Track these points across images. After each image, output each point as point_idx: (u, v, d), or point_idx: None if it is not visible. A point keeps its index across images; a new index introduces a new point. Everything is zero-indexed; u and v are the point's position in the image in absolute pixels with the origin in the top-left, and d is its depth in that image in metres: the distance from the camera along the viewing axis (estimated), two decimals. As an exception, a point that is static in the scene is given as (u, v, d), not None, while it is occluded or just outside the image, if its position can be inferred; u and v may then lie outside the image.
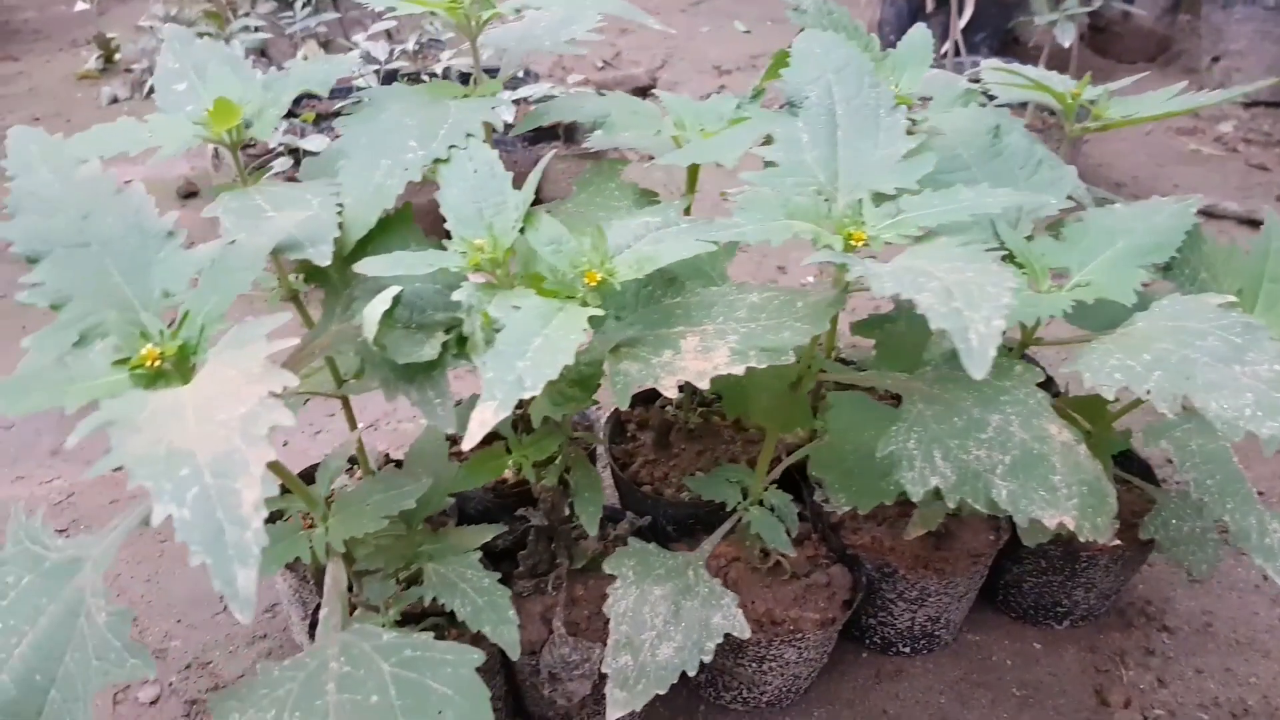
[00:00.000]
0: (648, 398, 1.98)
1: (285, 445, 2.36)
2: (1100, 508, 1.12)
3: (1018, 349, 1.48)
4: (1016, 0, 4.46)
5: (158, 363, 0.94)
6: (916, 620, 1.69)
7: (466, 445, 0.89)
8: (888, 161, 1.22)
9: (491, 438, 1.02)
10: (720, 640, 1.33)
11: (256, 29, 3.54)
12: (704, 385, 1.05)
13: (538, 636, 1.48)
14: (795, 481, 1.73)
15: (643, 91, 4.39)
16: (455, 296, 1.06)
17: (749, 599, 1.54)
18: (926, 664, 1.76)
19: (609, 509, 1.65)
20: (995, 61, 1.74)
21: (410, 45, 3.50)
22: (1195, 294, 1.32)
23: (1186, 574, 1.61)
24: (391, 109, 1.29)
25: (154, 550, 2.05)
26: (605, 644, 1.34)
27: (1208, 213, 3.32)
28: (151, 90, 4.28)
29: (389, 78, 3.29)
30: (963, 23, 3.95)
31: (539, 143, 3.23)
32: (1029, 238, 1.38)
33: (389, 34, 3.64)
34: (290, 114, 2.92)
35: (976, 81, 1.73)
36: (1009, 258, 1.32)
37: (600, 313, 1.04)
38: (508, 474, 1.65)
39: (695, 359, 1.09)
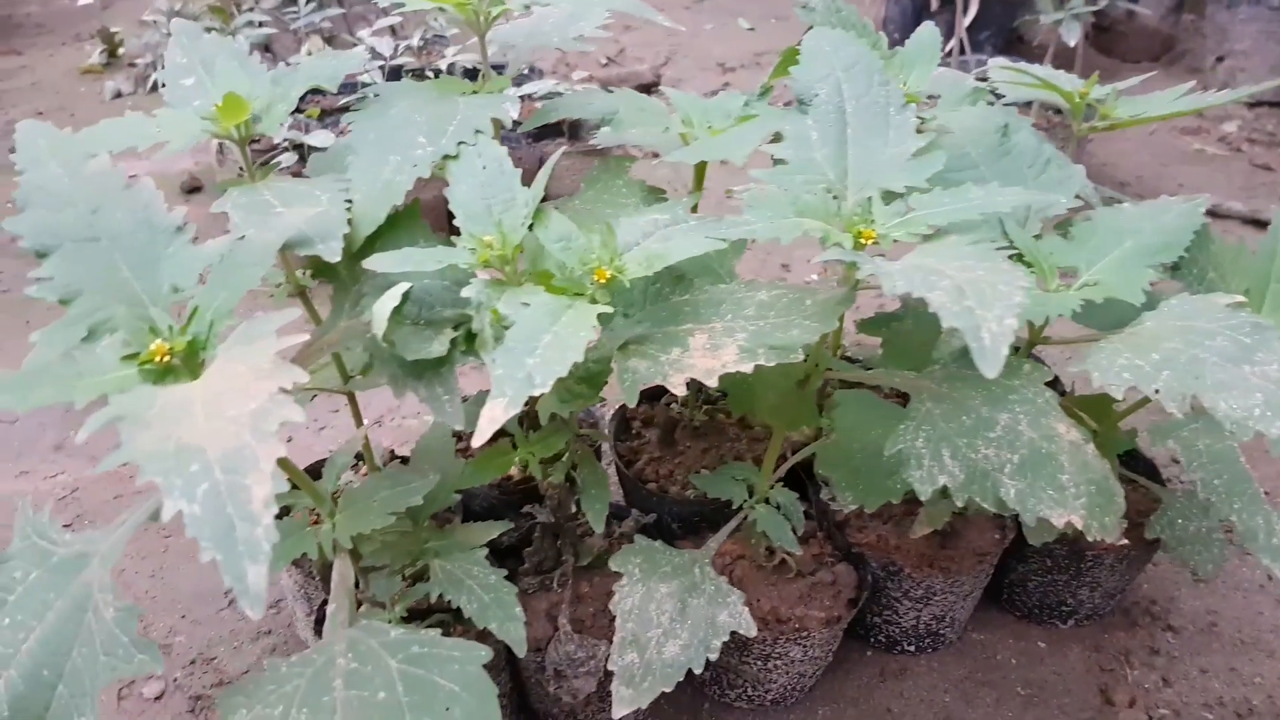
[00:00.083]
0: (653, 395, 1.98)
1: (289, 441, 2.36)
2: (1108, 507, 1.12)
3: (1025, 348, 1.47)
4: (1021, -1, 4.46)
5: (167, 358, 0.94)
6: (921, 619, 1.69)
7: (476, 442, 0.89)
8: (897, 160, 1.22)
9: (498, 434, 1.02)
10: (726, 638, 1.33)
11: (261, 24, 3.54)
12: (712, 383, 1.05)
13: (543, 633, 1.48)
14: (800, 479, 1.73)
15: (647, 88, 4.39)
16: (464, 293, 1.06)
17: (754, 597, 1.54)
18: (931, 663, 1.75)
19: (614, 506, 1.65)
20: (1002, 60, 1.74)
21: (415, 41, 3.50)
22: (1203, 294, 1.32)
23: (1191, 574, 1.60)
24: (400, 105, 1.29)
25: (158, 545, 2.05)
26: (611, 641, 1.34)
27: (1212, 212, 3.31)
28: (155, 85, 4.30)
29: (394, 74, 3.29)
30: (968, 21, 3.94)
31: (543, 139, 3.23)
32: (1037, 236, 1.38)
33: (393, 30, 3.65)
34: (295, 109, 2.93)
35: (983, 80, 1.72)
36: (1017, 256, 1.32)
37: (609, 310, 1.04)
38: (513, 471, 1.65)
39: (703, 356, 1.08)
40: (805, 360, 1.29)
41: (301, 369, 0.84)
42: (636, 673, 1.29)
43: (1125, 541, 1.15)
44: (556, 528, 1.55)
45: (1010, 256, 1.03)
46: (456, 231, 1.17)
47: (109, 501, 2.18)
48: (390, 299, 1.09)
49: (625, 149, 3.18)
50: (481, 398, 1.49)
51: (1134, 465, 1.80)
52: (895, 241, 1.13)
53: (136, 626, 0.98)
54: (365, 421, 1.59)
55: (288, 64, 1.30)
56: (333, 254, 1.08)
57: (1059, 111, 3.46)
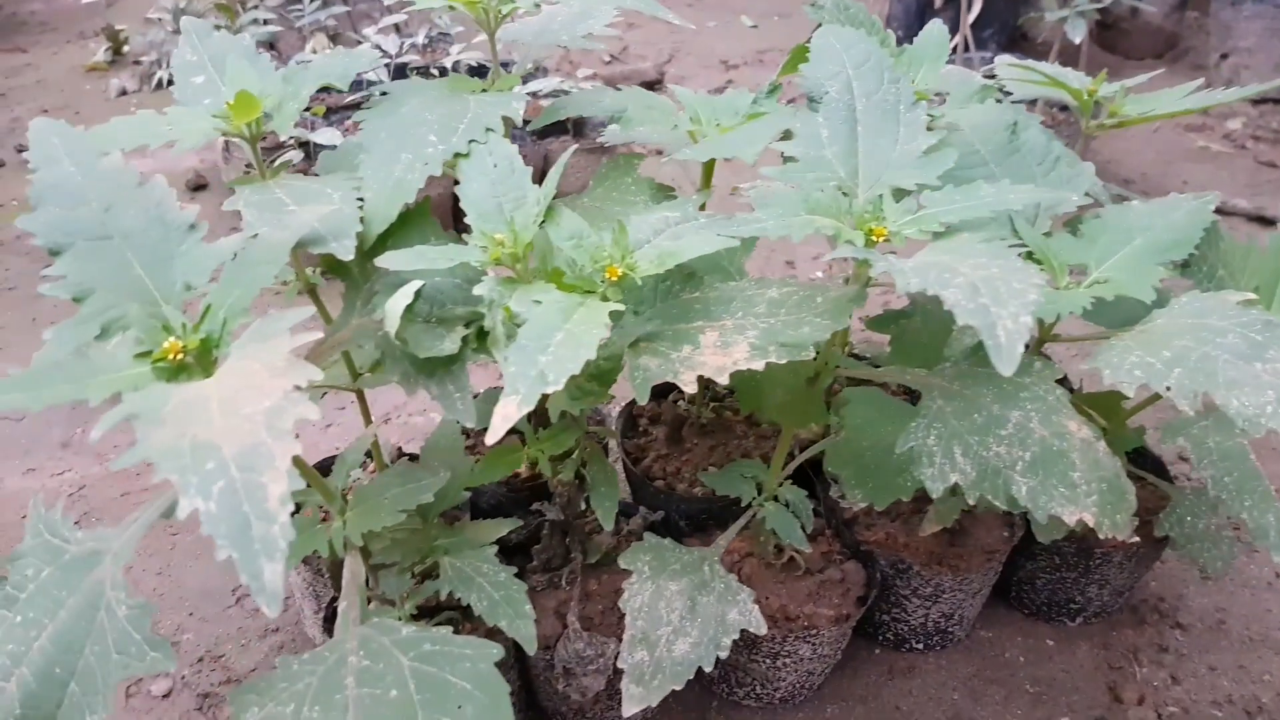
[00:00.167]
0: (661, 392, 1.98)
1: (296, 439, 2.36)
2: (1119, 504, 1.12)
3: (1035, 346, 1.47)
4: (1025, -4, 4.46)
5: (180, 356, 0.94)
6: (930, 617, 1.69)
7: (490, 439, 0.89)
8: (908, 157, 1.22)
9: (508, 431, 1.02)
10: (736, 636, 1.33)
11: (266, 22, 3.54)
12: (723, 380, 1.05)
13: (552, 631, 1.48)
14: (808, 477, 1.73)
15: (650, 86, 4.39)
16: (476, 291, 1.06)
17: (763, 595, 1.54)
18: (939, 660, 1.76)
19: (622, 504, 1.65)
20: (1009, 58, 1.74)
21: (420, 39, 3.50)
22: (1213, 291, 1.32)
23: (1200, 572, 1.61)
24: (411, 103, 1.29)
25: (166, 543, 2.05)
26: (620, 639, 1.34)
27: (1218, 210, 3.31)
28: (160, 83, 4.29)
29: (399, 71, 3.29)
30: (971, 18, 3.94)
31: (547, 137, 3.23)
32: (1047, 234, 1.38)
33: (397, 28, 3.65)
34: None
35: (991, 77, 1.72)
36: (1027, 254, 1.32)
37: (621, 307, 1.04)
38: (521, 468, 1.65)
39: (714, 354, 1.08)
40: (815, 358, 1.30)
41: (316, 367, 0.84)
42: (646, 670, 1.29)
43: (1136, 539, 1.15)
44: (565, 525, 1.55)
45: (1021, 254, 1.03)
46: (462, 229, 1.18)
47: (116, 499, 2.19)
48: (403, 297, 1.09)
49: (629, 147, 3.19)
50: (490, 395, 1.50)
51: (1142, 463, 1.80)
52: (906, 239, 1.13)
53: (150, 624, 0.98)
54: (373, 419, 1.59)
55: (299, 62, 1.29)
56: (346, 252, 1.08)
57: (1064, 109, 3.47)
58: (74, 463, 2.31)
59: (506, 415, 0.90)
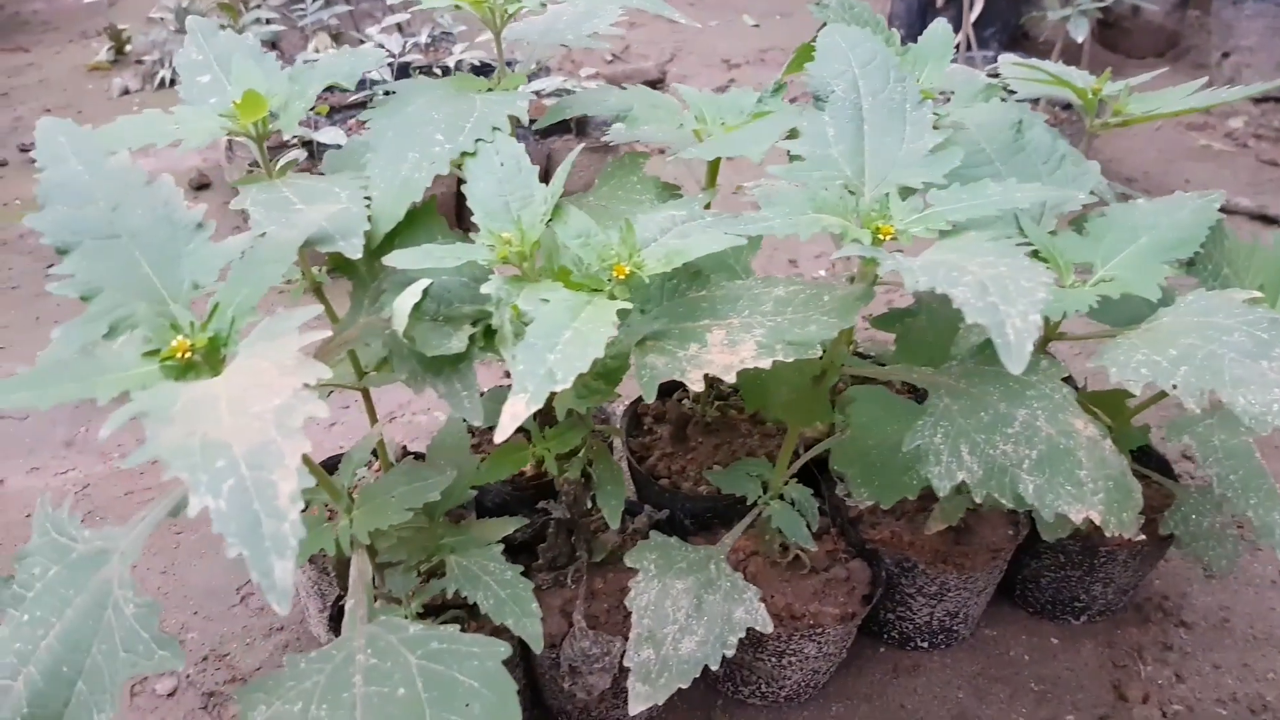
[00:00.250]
0: (665, 390, 1.98)
1: (305, 437, 2.36)
2: (1126, 502, 1.12)
3: (1040, 344, 1.47)
4: (1027, -5, 4.46)
5: (188, 354, 0.94)
6: (935, 615, 1.69)
7: (499, 437, 0.89)
8: (914, 156, 1.22)
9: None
10: (742, 634, 1.33)
11: (268, 21, 3.54)
12: (730, 379, 1.05)
13: (557, 630, 1.48)
14: (813, 475, 1.73)
15: (653, 85, 4.38)
16: (484, 289, 1.06)
17: (768, 593, 1.54)
18: (944, 659, 1.76)
19: (627, 502, 1.65)
20: (1012, 56, 1.74)
21: (422, 38, 3.50)
22: (1219, 289, 1.32)
23: (1204, 570, 1.61)
24: (417, 102, 1.29)
25: (170, 542, 2.05)
26: (625, 637, 1.34)
27: (1220, 208, 3.32)
28: (162, 82, 4.29)
29: (402, 71, 3.29)
30: (973, 17, 3.94)
31: (550, 135, 3.23)
32: (1052, 233, 1.38)
33: (400, 27, 3.65)
34: (303, 106, 2.93)
35: (994, 76, 1.72)
36: (1033, 253, 1.32)
37: (629, 306, 1.04)
38: (526, 467, 1.65)
39: (721, 352, 1.09)
40: (822, 356, 1.30)
41: (325, 365, 0.85)
42: (653, 669, 1.29)
43: (1143, 536, 1.15)
44: (571, 523, 1.55)
45: (1027, 253, 1.03)
46: (466, 228, 1.18)
47: (120, 498, 2.19)
48: (411, 295, 1.09)
49: (631, 146, 3.19)
50: (495, 393, 1.50)
51: (1146, 461, 1.80)
52: (913, 238, 1.13)
53: (157, 623, 0.99)
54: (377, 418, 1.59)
55: (305, 61, 1.29)
56: (355, 250, 1.08)
57: (1066, 108, 3.46)
58: (78, 461, 2.31)
59: (515, 413, 0.90)
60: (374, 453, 1.64)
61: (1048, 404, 1.16)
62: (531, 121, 1.43)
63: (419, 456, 1.68)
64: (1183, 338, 1.11)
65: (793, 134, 1.27)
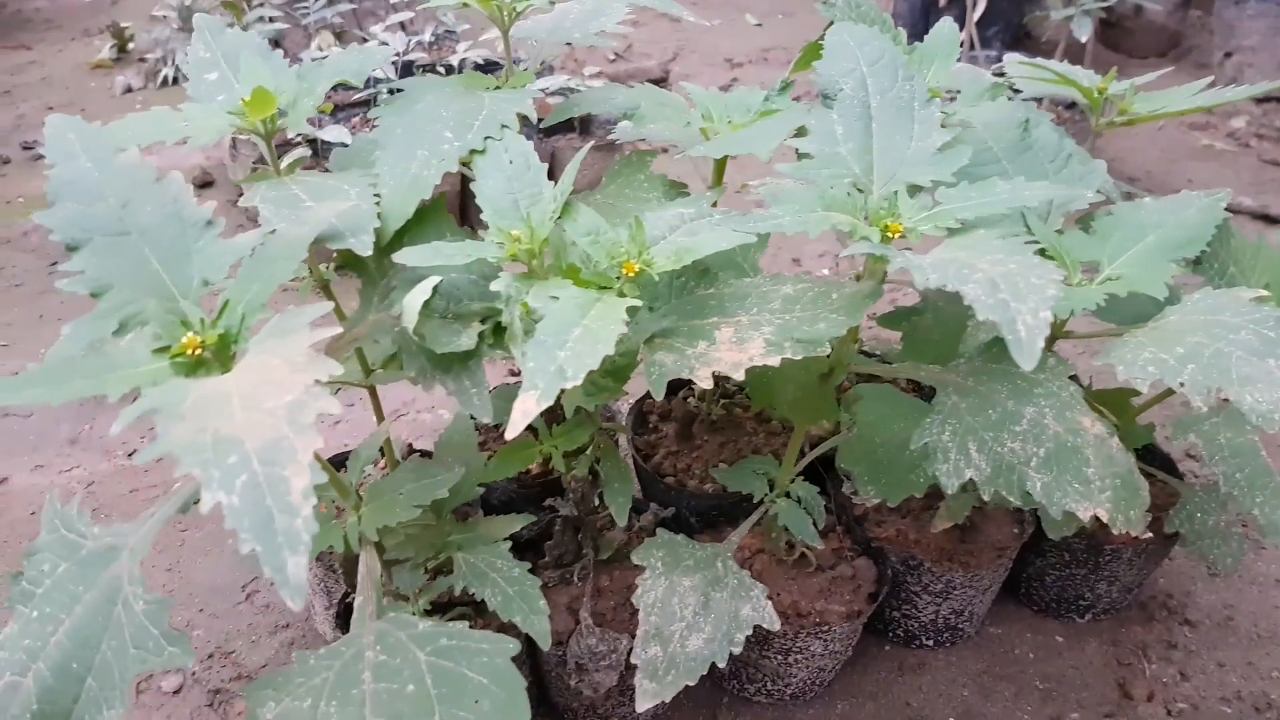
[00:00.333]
0: (670, 389, 1.97)
1: (317, 433, 2.36)
2: (1133, 500, 1.12)
3: (1048, 342, 1.47)
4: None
5: (198, 351, 0.94)
6: (940, 613, 1.69)
7: (510, 434, 0.89)
8: (923, 154, 1.22)
9: (520, 428, 1.02)
10: (750, 632, 1.34)
11: (272, 19, 3.54)
12: (739, 376, 1.05)
13: (564, 627, 1.48)
14: (819, 473, 1.73)
15: (655, 84, 4.38)
16: (494, 287, 1.06)
17: (775, 591, 1.54)
18: (949, 657, 1.76)
19: (633, 500, 1.65)
20: (1017, 56, 1.74)
21: (426, 37, 3.50)
22: (1225, 288, 1.32)
23: (1208, 568, 1.61)
24: (426, 100, 1.29)
25: (175, 539, 2.05)
26: (632, 635, 1.34)
27: (1223, 208, 3.32)
28: (165, 80, 4.29)
29: (405, 69, 3.29)
30: (976, 16, 3.94)
31: (554, 134, 3.23)
32: (1059, 231, 1.38)
33: (403, 25, 3.65)
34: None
35: (999, 75, 1.72)
36: (1040, 251, 1.32)
37: (639, 303, 1.04)
38: (532, 464, 1.65)
39: (730, 350, 1.09)
40: (829, 354, 1.30)
41: (336, 362, 0.85)
42: (660, 666, 1.29)
43: (1149, 534, 1.15)
44: (577, 521, 1.56)
45: (1034, 251, 1.03)
46: (470, 225, 1.18)
47: (125, 495, 2.19)
48: (421, 292, 1.09)
49: (635, 145, 3.20)
50: (502, 391, 1.50)
51: (1151, 459, 1.80)
52: (922, 236, 1.14)
53: (168, 619, 0.99)
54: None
55: (313, 59, 1.30)
56: (365, 248, 1.09)
57: (1069, 107, 3.47)
58: (82, 459, 2.31)
59: (526, 410, 0.90)
60: (380, 450, 1.65)
61: (1055, 402, 1.16)
62: (538, 120, 1.43)
63: (426, 454, 1.68)
64: (1190, 336, 1.12)
65: (801, 132, 1.27)
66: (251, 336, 0.95)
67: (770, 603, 1.38)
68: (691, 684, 1.29)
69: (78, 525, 1.07)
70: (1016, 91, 1.70)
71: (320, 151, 2.84)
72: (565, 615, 1.51)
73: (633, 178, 1.43)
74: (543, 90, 3.05)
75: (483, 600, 1.32)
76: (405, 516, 1.25)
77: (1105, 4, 3.47)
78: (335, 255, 1.22)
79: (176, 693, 1.73)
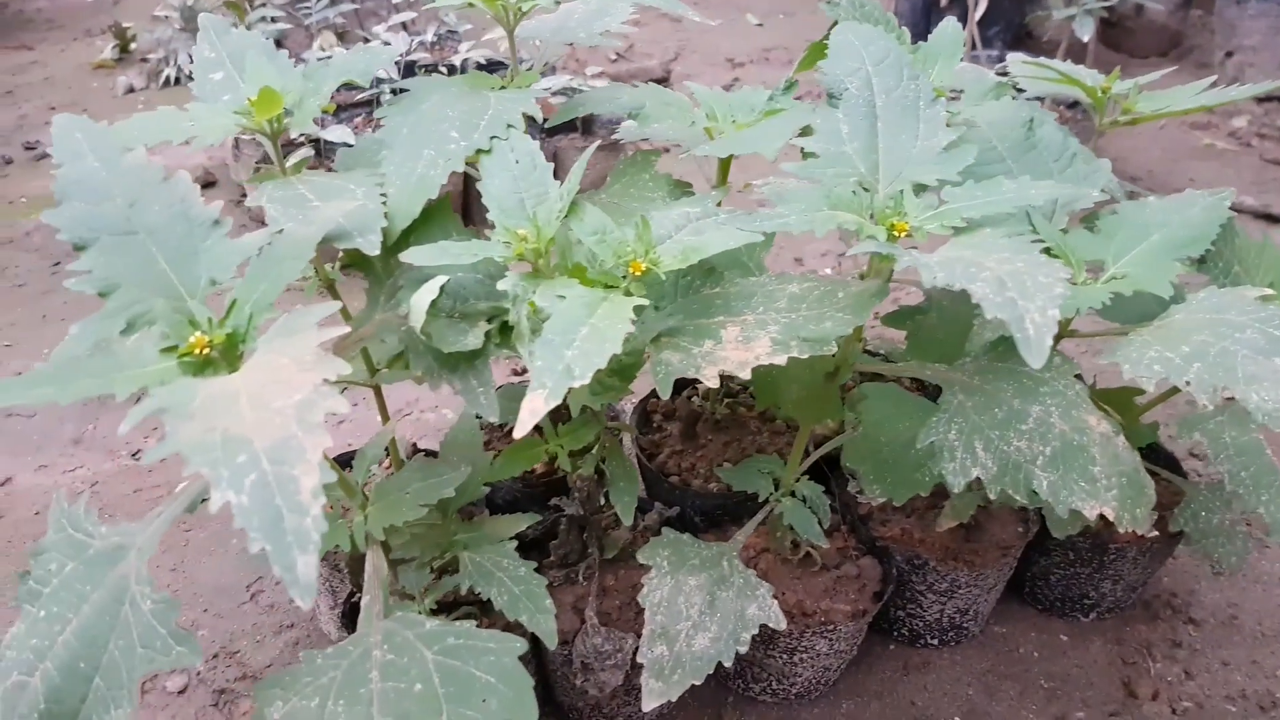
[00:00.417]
0: (674, 388, 1.98)
1: (326, 433, 2.36)
2: (1139, 498, 1.13)
3: (1054, 341, 1.47)
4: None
5: (206, 351, 0.94)
6: (945, 612, 1.69)
7: (518, 433, 0.90)
8: (929, 153, 1.22)
9: (524, 427, 1.03)
10: (756, 631, 1.34)
11: (274, 20, 3.54)
12: (745, 375, 1.05)
13: (569, 626, 1.48)
14: (823, 473, 1.73)
15: (657, 84, 4.39)
16: (501, 286, 1.06)
17: (780, 590, 1.54)
18: (954, 656, 1.76)
19: (638, 500, 1.66)
20: (1020, 55, 1.74)
21: (428, 37, 3.50)
22: (1230, 287, 1.32)
23: (1212, 567, 1.61)
24: (432, 100, 1.29)
25: (179, 540, 2.05)
26: (637, 634, 1.34)
27: (1225, 207, 3.32)
28: (167, 80, 4.29)
29: (408, 69, 3.29)
30: (978, 15, 3.95)
31: (556, 134, 3.24)
32: (1064, 230, 1.38)
33: (405, 26, 3.65)
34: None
35: (1003, 75, 1.73)
36: (1046, 250, 1.32)
37: (646, 302, 1.04)
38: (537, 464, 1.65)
39: (736, 349, 1.09)
40: (835, 353, 1.30)
41: (344, 361, 0.85)
42: (666, 665, 1.30)
43: (1156, 533, 1.15)
44: (583, 520, 1.56)
45: (1040, 250, 1.03)
46: (472, 224, 1.18)
47: (129, 495, 2.19)
48: (428, 292, 1.09)
49: (637, 145, 3.20)
50: (508, 390, 1.50)
51: (1155, 458, 1.80)
52: (928, 235, 1.14)
53: (176, 619, 0.99)
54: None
55: (319, 59, 1.30)
56: (372, 247, 1.09)
57: (1071, 106, 3.47)
58: (86, 459, 2.31)
59: (534, 409, 0.90)
60: (384, 450, 1.65)
61: (1061, 400, 1.16)
62: (543, 120, 1.43)
63: (431, 454, 1.68)
64: (1195, 335, 1.12)
65: (806, 131, 1.27)
66: (259, 336, 0.95)
67: (776, 602, 1.38)
68: (698, 683, 1.29)
69: (85, 525, 1.07)
70: (1020, 91, 1.70)
71: (323, 151, 2.84)
72: (570, 615, 1.51)
73: (637, 177, 1.43)
74: (546, 90, 3.05)
75: (488, 599, 1.33)
76: (411, 516, 1.25)
77: (1107, 3, 3.47)
78: (341, 255, 1.22)
79: (181, 693, 1.73)
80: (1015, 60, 1.73)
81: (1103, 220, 1.41)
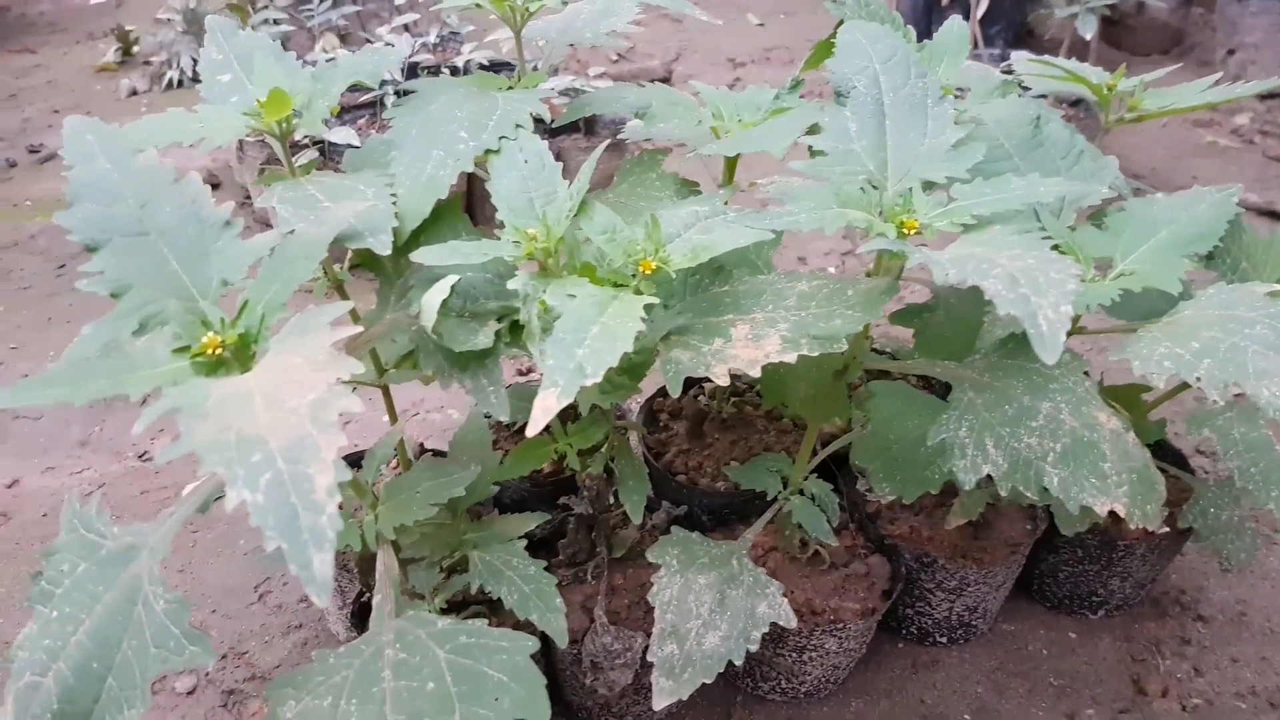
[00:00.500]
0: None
1: (340, 432, 2.36)
2: (1149, 495, 1.13)
3: (1062, 338, 1.47)
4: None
5: (219, 351, 0.95)
6: (954, 610, 1.69)
7: (531, 431, 0.90)
8: (937, 151, 1.22)
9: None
10: (766, 629, 1.34)
11: (277, 22, 3.54)
12: (755, 373, 1.05)
13: (578, 626, 1.49)
14: (831, 471, 1.73)
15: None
16: (511, 285, 1.07)
17: (789, 589, 1.54)
18: (963, 654, 1.76)
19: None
20: (1024, 53, 1.74)
21: (431, 38, 3.51)
22: (1238, 283, 1.32)
23: (1220, 564, 1.62)
24: (440, 100, 1.29)
25: (187, 540, 2.05)
26: (646, 633, 1.35)
27: (1229, 204, 3.32)
28: (170, 83, 4.30)
29: (410, 71, 3.29)
30: (979, 14, 3.95)
31: (559, 134, 3.24)
32: (1071, 227, 1.38)
33: (407, 27, 3.65)
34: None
35: (1008, 73, 1.73)
36: (1054, 247, 1.32)
37: (656, 300, 1.04)
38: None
39: (746, 347, 1.09)
40: (844, 351, 1.30)
41: (357, 361, 0.85)
42: (676, 664, 1.30)
43: (1166, 529, 1.16)
44: (591, 519, 1.56)
45: (1050, 247, 1.03)
46: (477, 224, 1.18)
47: (136, 496, 2.19)
48: (439, 291, 1.09)
49: (639, 144, 3.20)
50: (516, 390, 1.50)
51: (1162, 455, 1.80)
52: (937, 232, 1.14)
53: (189, 619, 0.99)
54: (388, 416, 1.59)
55: (327, 59, 1.30)
56: (384, 247, 1.09)
57: (1074, 104, 3.47)
58: (92, 461, 2.31)
59: (546, 407, 0.90)
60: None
61: (1071, 397, 1.16)
62: (550, 120, 1.43)
63: (439, 453, 1.69)
64: (1205, 331, 1.12)
65: (813, 129, 1.27)
66: (271, 336, 0.95)
67: (786, 600, 1.38)
68: (708, 681, 1.29)
69: (97, 525, 1.08)
70: (1025, 89, 1.70)
71: (327, 153, 2.84)
72: (579, 614, 1.51)
73: (644, 176, 1.43)
74: (551, 90, 3.06)
75: (498, 599, 1.33)
76: (422, 515, 1.25)
77: (1109, 1, 3.47)
78: (349, 255, 1.23)
79: (190, 694, 1.73)
80: (1020, 58, 1.73)
81: (1110, 217, 1.41)
